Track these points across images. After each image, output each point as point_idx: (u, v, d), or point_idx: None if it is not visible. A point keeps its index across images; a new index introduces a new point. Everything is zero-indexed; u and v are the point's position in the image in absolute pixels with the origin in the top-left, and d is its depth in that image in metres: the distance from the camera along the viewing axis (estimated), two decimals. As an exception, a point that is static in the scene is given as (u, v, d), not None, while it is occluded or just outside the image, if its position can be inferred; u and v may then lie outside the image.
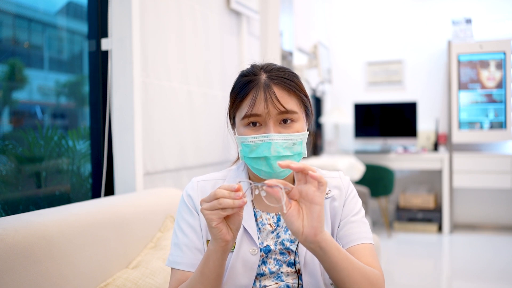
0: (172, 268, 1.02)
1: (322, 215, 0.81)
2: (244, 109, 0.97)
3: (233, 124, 1.05)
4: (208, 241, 1.01)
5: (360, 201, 1.08)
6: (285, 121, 0.97)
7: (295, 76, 1.01)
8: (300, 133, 0.97)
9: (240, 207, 0.83)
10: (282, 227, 1.02)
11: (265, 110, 0.95)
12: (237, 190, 0.83)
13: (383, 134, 4.92)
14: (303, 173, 0.82)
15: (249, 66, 1.04)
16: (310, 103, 1.04)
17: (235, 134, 1.04)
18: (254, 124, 0.97)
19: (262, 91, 0.96)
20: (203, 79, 2.37)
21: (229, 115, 1.05)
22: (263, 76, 0.98)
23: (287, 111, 0.96)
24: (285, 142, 0.95)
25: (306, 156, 1.01)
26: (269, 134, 0.94)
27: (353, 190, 1.08)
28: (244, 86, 0.98)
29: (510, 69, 4.29)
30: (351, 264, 0.88)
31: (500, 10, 4.74)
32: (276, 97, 0.95)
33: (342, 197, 1.06)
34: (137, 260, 1.42)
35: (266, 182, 0.82)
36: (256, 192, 0.86)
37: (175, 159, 2.10)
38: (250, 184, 0.88)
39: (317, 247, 0.83)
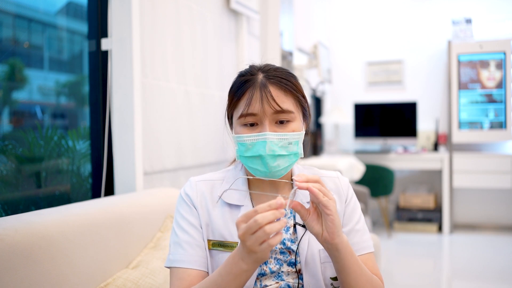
0: (171, 268, 0.99)
1: (337, 221, 0.87)
2: (240, 109, 0.97)
3: (231, 124, 1.05)
4: (209, 240, 1.00)
5: (359, 205, 1.09)
6: (281, 121, 0.97)
7: (292, 76, 1.01)
8: (295, 133, 0.97)
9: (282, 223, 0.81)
10: (282, 225, 1.02)
11: (261, 109, 0.95)
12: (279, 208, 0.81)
13: (383, 134, 4.92)
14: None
15: (247, 67, 1.04)
16: (307, 103, 1.03)
17: (233, 134, 1.04)
18: (251, 124, 0.97)
19: (258, 90, 0.96)
20: (201, 79, 2.37)
21: (227, 115, 1.05)
22: (260, 76, 0.98)
23: (282, 111, 0.96)
24: (281, 141, 0.95)
25: (303, 156, 1.01)
26: (265, 132, 0.95)
27: (353, 195, 1.08)
28: (241, 86, 0.99)
29: (510, 69, 4.29)
30: (360, 269, 0.94)
31: (500, 10, 4.74)
32: (271, 96, 0.95)
33: (342, 201, 1.06)
34: (137, 260, 1.42)
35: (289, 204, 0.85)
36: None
37: (173, 159, 2.10)
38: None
39: (334, 248, 0.89)
